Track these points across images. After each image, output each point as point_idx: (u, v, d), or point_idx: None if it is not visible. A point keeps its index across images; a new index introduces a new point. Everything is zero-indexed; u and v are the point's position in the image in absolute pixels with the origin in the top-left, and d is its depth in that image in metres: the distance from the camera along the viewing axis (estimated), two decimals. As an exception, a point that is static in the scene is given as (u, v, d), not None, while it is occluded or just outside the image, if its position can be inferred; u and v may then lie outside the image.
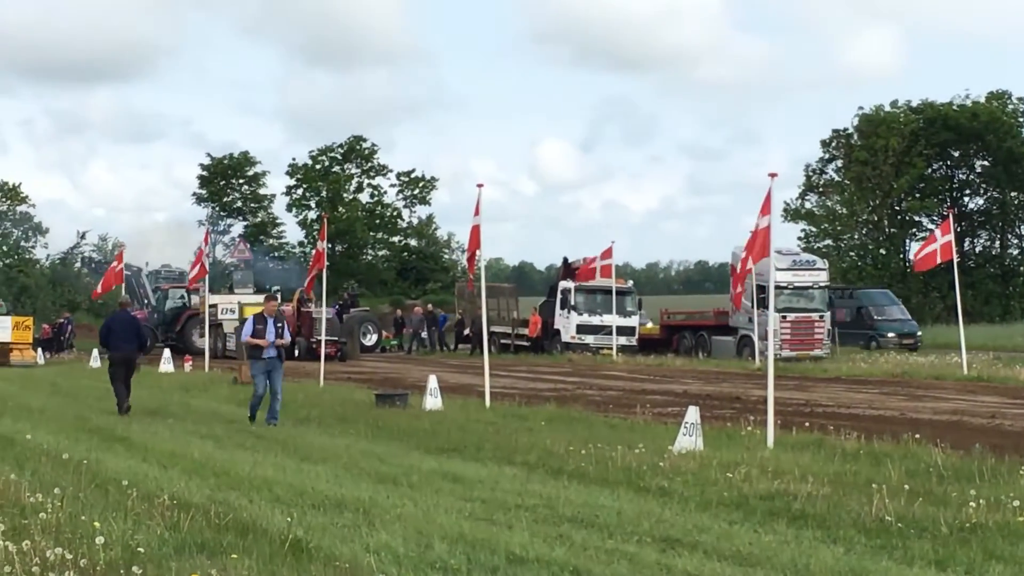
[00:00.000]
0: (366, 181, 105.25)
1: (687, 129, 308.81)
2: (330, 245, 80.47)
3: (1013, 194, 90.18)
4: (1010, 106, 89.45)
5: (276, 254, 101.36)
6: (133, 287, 65.11)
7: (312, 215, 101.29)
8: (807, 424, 21.38)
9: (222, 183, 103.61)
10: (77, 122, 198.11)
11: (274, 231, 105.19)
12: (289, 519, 12.21)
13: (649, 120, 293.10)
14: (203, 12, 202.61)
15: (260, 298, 60.13)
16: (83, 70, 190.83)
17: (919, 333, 62.57)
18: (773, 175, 19.92)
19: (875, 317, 62.47)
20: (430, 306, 71.25)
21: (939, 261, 41.60)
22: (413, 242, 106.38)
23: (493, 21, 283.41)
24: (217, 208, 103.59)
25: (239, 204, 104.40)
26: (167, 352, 46.14)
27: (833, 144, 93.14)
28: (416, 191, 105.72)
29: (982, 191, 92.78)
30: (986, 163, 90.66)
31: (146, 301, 65.67)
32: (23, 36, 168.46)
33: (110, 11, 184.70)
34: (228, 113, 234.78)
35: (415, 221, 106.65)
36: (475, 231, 28.19)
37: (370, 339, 62.28)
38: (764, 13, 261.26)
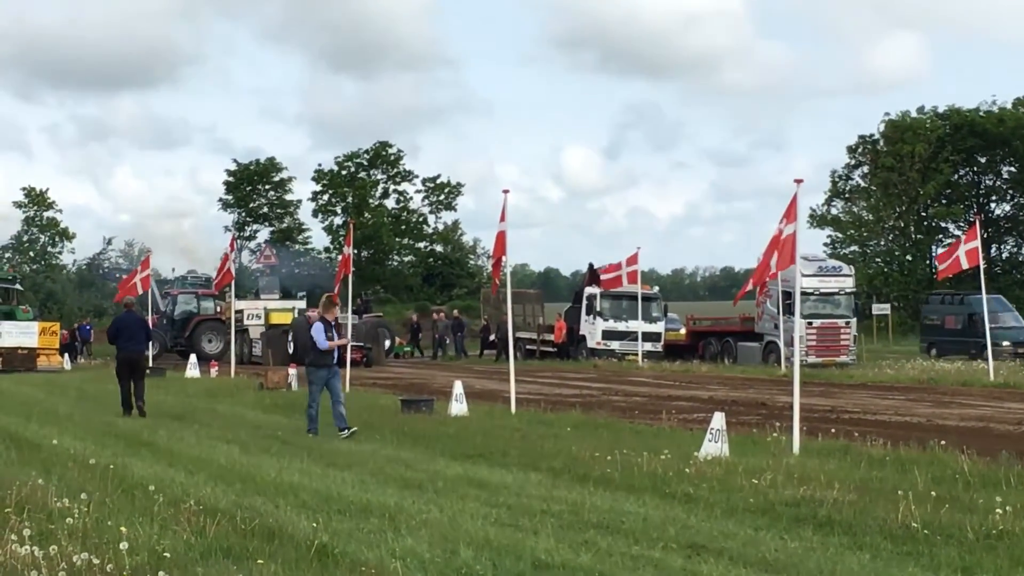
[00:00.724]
0: (392, 187, 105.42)
1: (711, 135, 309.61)
2: (356, 251, 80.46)
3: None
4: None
5: (302, 259, 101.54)
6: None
7: (338, 221, 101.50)
8: (833, 430, 21.33)
9: (248, 189, 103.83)
10: (101, 128, 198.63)
11: (300, 237, 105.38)
12: (315, 525, 12.24)
13: (673, 126, 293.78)
14: (226, 18, 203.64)
15: (286, 304, 60.83)
16: (107, 76, 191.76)
17: None
18: (799, 181, 19.90)
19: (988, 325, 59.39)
20: (456, 312, 71.34)
21: (965, 267, 41.42)
22: (439, 248, 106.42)
23: (517, 26, 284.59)
24: (243, 214, 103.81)
25: (265, 210, 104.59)
26: (193, 358, 46.26)
27: (859, 150, 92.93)
28: (442, 197, 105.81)
29: (1009, 197, 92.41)
30: (1013, 169, 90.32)
31: (155, 306, 65.78)
32: (47, 42, 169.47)
33: (133, 18, 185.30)
34: (252, 119, 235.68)
35: (441, 227, 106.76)
36: (500, 237, 28.14)
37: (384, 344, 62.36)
38: (788, 18, 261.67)
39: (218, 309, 63.64)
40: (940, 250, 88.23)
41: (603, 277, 56.05)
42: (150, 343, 30.46)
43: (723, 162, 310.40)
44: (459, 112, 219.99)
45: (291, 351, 53.38)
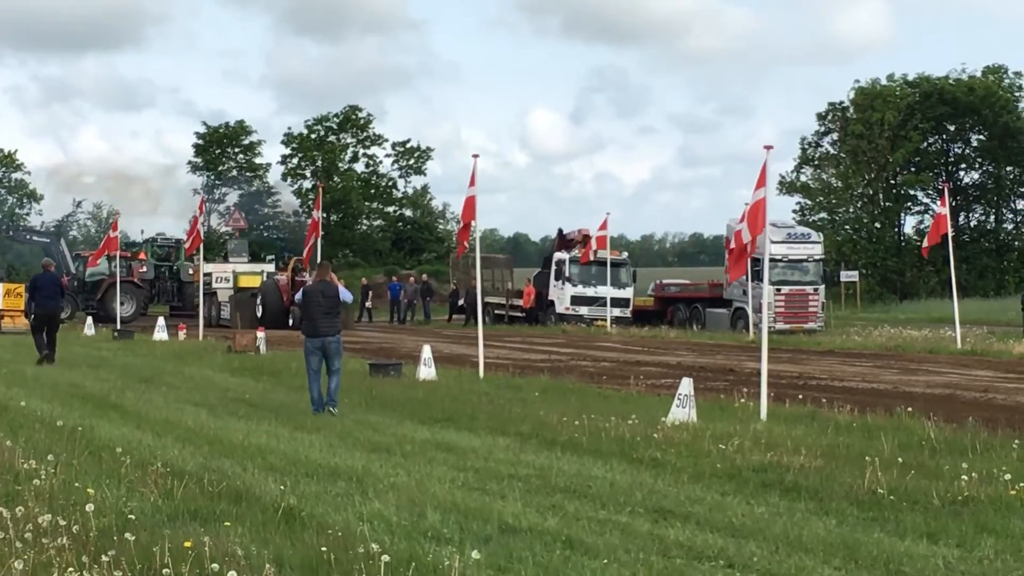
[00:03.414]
0: (361, 151, 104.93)
1: (678, 100, 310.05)
2: (325, 215, 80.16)
3: (1008, 168, 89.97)
4: (1006, 80, 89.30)
5: (271, 223, 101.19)
6: (52, 254, 65.03)
7: (307, 184, 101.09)
8: (800, 397, 21.39)
9: (217, 152, 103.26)
10: (65, 89, 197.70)
11: (269, 200, 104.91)
12: (282, 487, 12.25)
13: (639, 91, 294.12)
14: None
15: (255, 267, 60.76)
16: (69, 37, 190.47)
17: None
18: (768, 147, 19.90)
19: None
20: (424, 276, 71.26)
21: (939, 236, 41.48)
22: (408, 212, 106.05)
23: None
24: (212, 176, 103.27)
25: (234, 173, 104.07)
26: (161, 320, 46.02)
27: (829, 117, 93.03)
28: (411, 161, 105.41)
29: (977, 165, 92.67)
30: (982, 137, 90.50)
31: (66, 268, 65.35)
32: (7, 3, 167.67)
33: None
34: (216, 82, 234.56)
35: (410, 191, 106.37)
36: (470, 202, 28.08)
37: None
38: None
39: (190, 272, 63.35)
40: (911, 218, 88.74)
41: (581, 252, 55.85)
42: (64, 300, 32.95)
43: (689, 128, 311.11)
44: (424, 76, 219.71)
45: (259, 314, 53.37)
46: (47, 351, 30.68)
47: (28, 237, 75.19)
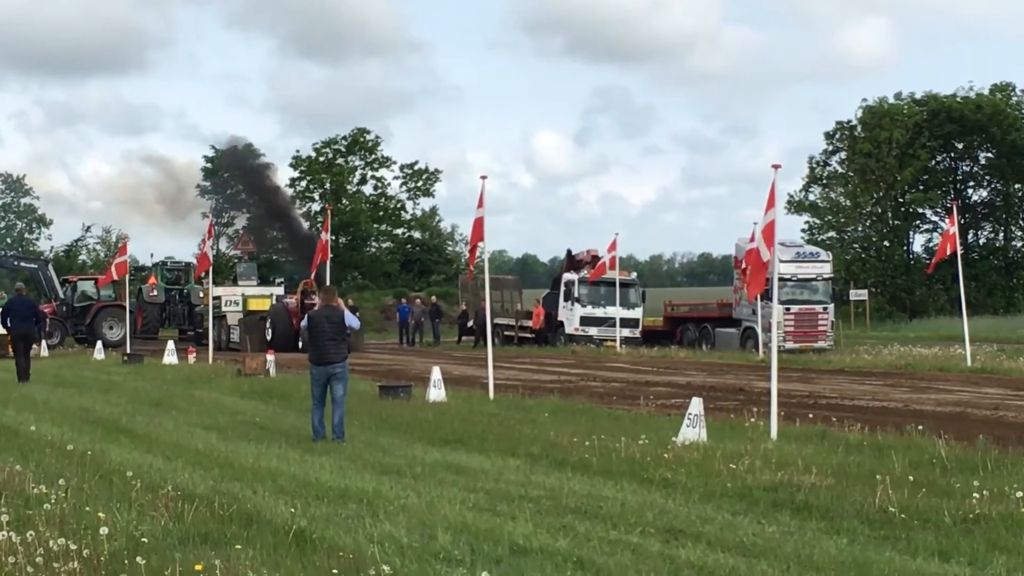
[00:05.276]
0: (370, 173, 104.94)
1: (683, 120, 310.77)
2: (334, 237, 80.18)
3: (1017, 186, 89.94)
4: (1014, 98, 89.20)
5: (280, 246, 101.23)
6: (39, 280, 65.22)
7: (316, 207, 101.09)
8: (811, 416, 21.39)
9: (226, 175, 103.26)
10: (69, 115, 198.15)
11: (278, 223, 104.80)
12: (293, 510, 12.25)
13: (644, 111, 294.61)
14: (192, 3, 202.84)
15: (264, 290, 60.82)
16: (72, 62, 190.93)
17: None
18: (777, 166, 19.92)
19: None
20: (433, 298, 71.24)
21: (947, 253, 41.44)
22: (417, 234, 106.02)
23: (483, 10, 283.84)
24: (221, 200, 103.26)
25: (243, 196, 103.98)
26: (170, 344, 46.03)
27: (837, 136, 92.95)
28: (419, 183, 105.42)
29: (986, 183, 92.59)
30: (990, 155, 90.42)
31: (54, 294, 65.52)
32: (9, 29, 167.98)
33: (98, 2, 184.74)
34: (220, 105, 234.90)
35: (419, 213, 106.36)
36: (478, 223, 28.08)
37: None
38: (759, 3, 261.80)
39: (200, 295, 63.42)
40: (919, 236, 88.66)
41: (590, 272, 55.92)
42: (37, 322, 35.01)
43: (695, 148, 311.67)
44: (428, 98, 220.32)
45: (269, 337, 53.43)
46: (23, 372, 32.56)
47: (16, 263, 75.38)
